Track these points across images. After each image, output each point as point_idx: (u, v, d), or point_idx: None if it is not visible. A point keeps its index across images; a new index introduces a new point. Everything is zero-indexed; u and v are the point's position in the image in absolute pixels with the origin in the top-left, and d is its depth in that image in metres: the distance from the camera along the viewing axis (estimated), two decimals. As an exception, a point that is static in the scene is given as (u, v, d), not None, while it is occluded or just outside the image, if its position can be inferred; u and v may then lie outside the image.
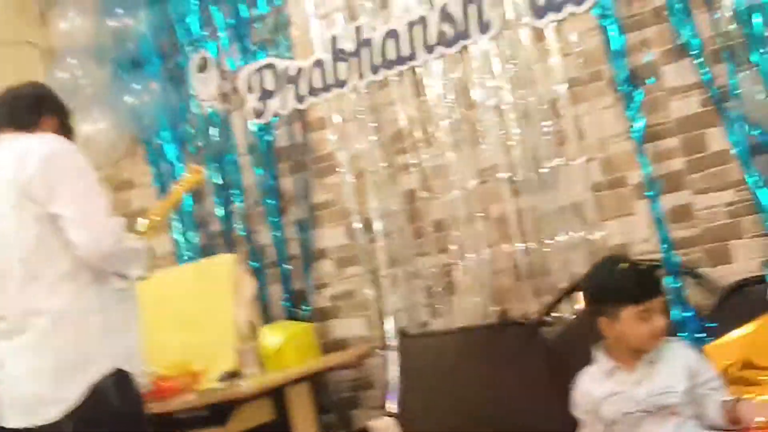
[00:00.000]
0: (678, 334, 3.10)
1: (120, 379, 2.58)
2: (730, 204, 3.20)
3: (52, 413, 2.53)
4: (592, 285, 2.99)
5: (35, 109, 2.75)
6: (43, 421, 2.55)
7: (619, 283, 2.87)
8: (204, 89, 4.31)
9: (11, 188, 2.56)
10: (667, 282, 3.21)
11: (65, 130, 2.79)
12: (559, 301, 3.50)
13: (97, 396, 2.53)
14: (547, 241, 3.54)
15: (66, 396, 2.52)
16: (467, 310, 3.73)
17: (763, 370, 2.83)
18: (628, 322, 2.78)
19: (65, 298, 2.55)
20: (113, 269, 2.62)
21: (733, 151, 3.14)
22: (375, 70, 3.87)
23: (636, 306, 2.76)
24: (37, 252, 2.55)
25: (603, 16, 3.34)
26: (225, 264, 4.02)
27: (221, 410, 3.57)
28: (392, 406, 3.73)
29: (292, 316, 4.14)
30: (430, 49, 3.73)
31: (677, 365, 2.76)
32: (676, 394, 2.73)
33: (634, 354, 2.82)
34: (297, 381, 3.69)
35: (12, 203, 2.56)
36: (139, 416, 2.66)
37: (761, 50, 3.01)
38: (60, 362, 2.53)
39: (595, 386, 2.89)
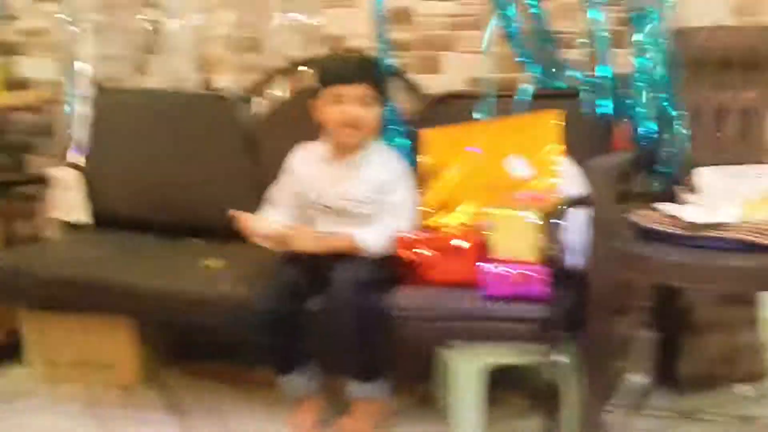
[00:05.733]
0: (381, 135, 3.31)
1: None
2: (451, 15, 3.39)
3: None
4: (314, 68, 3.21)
5: None
6: None
7: (325, 65, 3.07)
8: None
9: None
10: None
11: None
12: (267, 81, 3.58)
13: None
14: (264, 18, 3.57)
15: None
16: (170, 72, 3.71)
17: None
18: (324, 104, 2.98)
19: None
20: None
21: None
22: None
23: (330, 88, 2.94)
24: None
25: None
26: None
27: None
28: (75, 157, 3.69)
29: (-29, 43, 3.91)
30: None
31: (376, 177, 2.97)
32: (363, 206, 2.95)
33: (339, 147, 3.01)
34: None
35: None
36: None
37: None
38: None
39: (302, 163, 3.06)
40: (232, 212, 2.94)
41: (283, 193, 3.08)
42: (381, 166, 2.99)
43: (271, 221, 2.95)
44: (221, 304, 2.94)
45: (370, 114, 2.96)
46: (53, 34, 3.86)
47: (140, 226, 3.58)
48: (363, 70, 3.01)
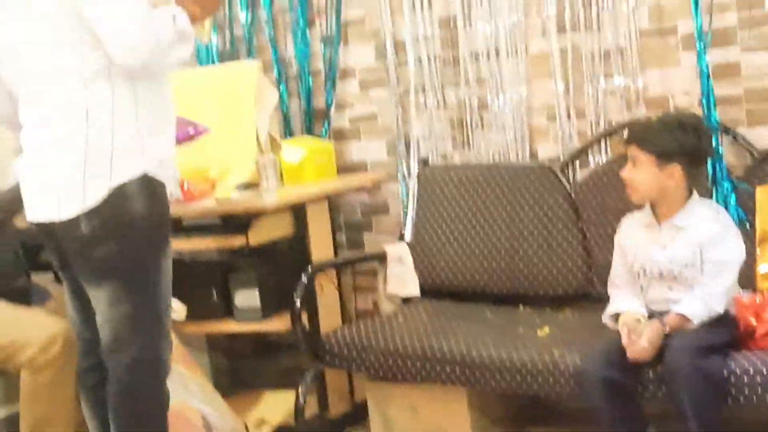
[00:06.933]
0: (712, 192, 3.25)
1: (148, 184, 2.57)
2: (779, 66, 3.29)
3: (70, 210, 2.54)
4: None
5: None
6: (59, 218, 2.57)
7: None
8: None
9: None
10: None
11: None
12: (590, 146, 3.61)
13: (119, 198, 2.53)
14: (585, 85, 3.62)
15: (88, 194, 2.52)
16: (495, 145, 3.83)
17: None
18: None
19: (100, 90, 2.52)
20: (154, 70, 2.57)
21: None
22: None
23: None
24: (69, 47, 2.51)
25: None
26: (248, 71, 4.05)
27: (235, 220, 3.71)
28: (407, 233, 3.88)
29: (310, 133, 4.22)
30: None
31: (699, 236, 2.91)
32: (690, 268, 2.90)
33: (658, 210, 2.99)
34: (317, 198, 3.81)
35: None
36: (159, 225, 2.63)
37: None
38: (88, 157, 2.52)
39: (628, 235, 3.06)
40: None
41: (621, 272, 3.08)
42: (703, 224, 2.93)
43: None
44: (555, 372, 2.97)
45: (639, 174, 2.95)
46: (382, 118, 4.11)
47: (468, 296, 3.70)
48: (633, 132, 3.05)
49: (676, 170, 2.93)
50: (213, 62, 4.39)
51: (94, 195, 2.53)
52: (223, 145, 3.98)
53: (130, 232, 2.57)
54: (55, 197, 2.58)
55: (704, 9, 3.30)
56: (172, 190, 2.70)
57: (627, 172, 2.98)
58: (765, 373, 2.64)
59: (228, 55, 4.39)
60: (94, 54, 2.50)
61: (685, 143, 2.95)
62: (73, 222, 2.55)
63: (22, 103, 2.66)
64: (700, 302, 2.82)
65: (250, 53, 4.34)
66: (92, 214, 2.53)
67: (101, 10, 2.45)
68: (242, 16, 4.33)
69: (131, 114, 2.56)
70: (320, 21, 4.18)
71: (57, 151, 2.57)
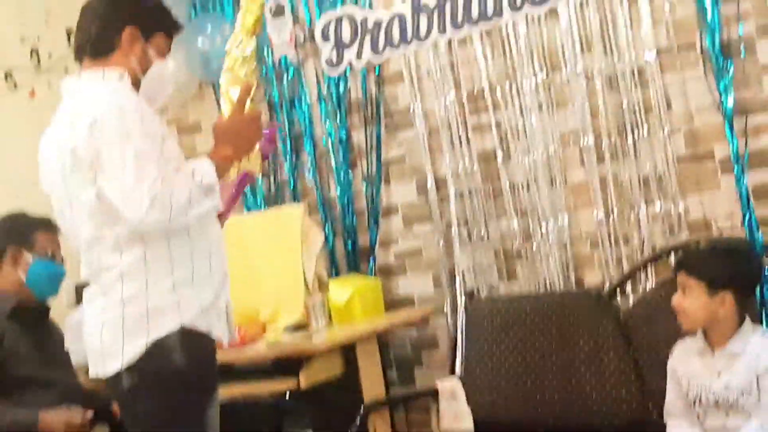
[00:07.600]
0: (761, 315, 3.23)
1: (186, 337, 2.58)
2: (819, 184, 3.31)
3: (112, 366, 2.59)
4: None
5: (110, 25, 2.65)
6: (104, 374, 2.62)
7: None
8: (278, 35, 4.41)
9: (66, 151, 2.57)
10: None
11: (150, 50, 2.70)
12: (636, 271, 3.62)
13: (157, 353, 2.55)
14: (626, 211, 3.65)
15: (127, 350, 2.56)
16: (540, 275, 3.86)
17: None
18: None
19: (132, 253, 2.56)
20: (174, 229, 2.57)
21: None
22: (457, 26, 3.96)
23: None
24: (97, 215, 2.57)
25: (698, -15, 3.42)
26: (293, 214, 4.15)
27: (286, 362, 3.73)
28: (457, 366, 3.88)
29: (356, 271, 4.28)
30: (516, 7, 3.82)
31: (755, 365, 2.87)
32: (747, 397, 2.86)
33: (711, 337, 2.96)
34: (366, 337, 3.84)
35: (68, 166, 2.58)
36: (200, 376, 2.63)
37: None
38: (125, 316, 2.56)
39: (681, 362, 3.03)
40: None
41: (676, 401, 3.05)
42: (758, 352, 2.89)
43: None
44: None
45: (690, 302, 2.92)
46: (426, 252, 4.16)
47: (523, 429, 3.66)
48: (683, 259, 3.05)
49: (727, 298, 2.89)
50: (259, 207, 4.49)
51: (133, 351, 2.56)
52: (272, 288, 4.04)
53: (169, 386, 2.58)
54: (100, 354, 2.63)
55: (739, 132, 3.35)
56: (221, 336, 2.70)
57: (677, 300, 2.96)
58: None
59: (273, 199, 4.50)
60: (123, 222, 2.53)
61: (736, 271, 2.92)
62: (116, 378, 2.60)
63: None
64: (760, 430, 2.78)
65: (294, 197, 4.44)
66: (132, 370, 2.57)
67: (110, 183, 2.50)
68: (286, 161, 4.45)
69: (165, 271, 2.59)
70: (361, 162, 4.28)
71: (98, 309, 2.64)
